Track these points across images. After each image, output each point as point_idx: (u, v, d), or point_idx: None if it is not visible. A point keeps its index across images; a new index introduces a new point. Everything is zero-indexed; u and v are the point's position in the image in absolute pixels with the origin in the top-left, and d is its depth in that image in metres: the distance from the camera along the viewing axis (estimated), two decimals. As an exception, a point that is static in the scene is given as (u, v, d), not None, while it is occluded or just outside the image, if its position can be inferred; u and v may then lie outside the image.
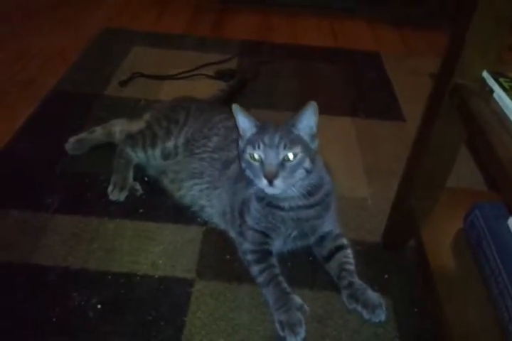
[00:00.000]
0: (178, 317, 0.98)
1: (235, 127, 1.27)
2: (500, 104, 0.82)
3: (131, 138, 1.33)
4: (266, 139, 0.96)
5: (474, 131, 0.83)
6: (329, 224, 1.12)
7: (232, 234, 1.15)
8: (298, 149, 0.97)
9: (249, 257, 1.07)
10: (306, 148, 0.98)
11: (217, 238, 1.17)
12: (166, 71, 1.84)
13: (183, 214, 1.22)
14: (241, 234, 1.10)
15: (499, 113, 0.81)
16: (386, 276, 1.11)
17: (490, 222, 0.95)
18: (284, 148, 0.95)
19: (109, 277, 1.04)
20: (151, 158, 1.31)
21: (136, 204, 1.24)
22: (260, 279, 1.04)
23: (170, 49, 2.03)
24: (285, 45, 2.16)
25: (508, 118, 0.80)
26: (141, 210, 1.22)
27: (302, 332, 0.95)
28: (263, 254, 1.07)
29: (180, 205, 1.23)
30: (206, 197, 1.20)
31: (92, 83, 1.74)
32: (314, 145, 1.02)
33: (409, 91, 1.84)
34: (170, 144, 1.29)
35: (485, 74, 0.87)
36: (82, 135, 1.41)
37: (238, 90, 1.75)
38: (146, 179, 1.31)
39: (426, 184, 1.06)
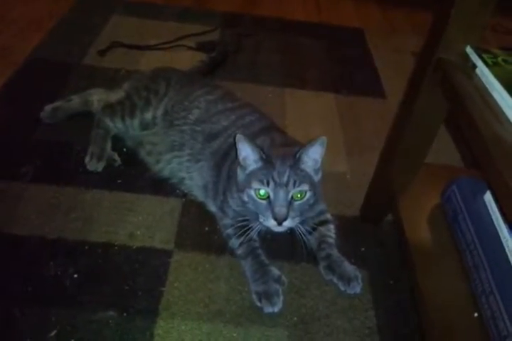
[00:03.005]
0: (155, 288, 0.97)
1: (218, 100, 1.26)
2: (483, 79, 0.83)
3: (109, 108, 1.30)
4: (275, 176, 0.93)
5: (456, 105, 0.83)
6: (314, 208, 1.10)
7: (212, 207, 1.15)
8: (306, 187, 0.95)
9: (230, 231, 1.07)
10: (312, 184, 0.97)
11: (196, 210, 1.16)
12: (147, 41, 1.79)
13: (162, 185, 1.20)
14: (222, 209, 1.10)
15: (480, 88, 0.81)
16: (363, 249, 1.12)
17: (467, 197, 0.97)
18: (294, 186, 0.93)
19: (87, 247, 1.03)
20: (129, 128, 1.28)
21: (114, 174, 1.22)
22: (239, 251, 1.04)
23: (150, 19, 1.97)
24: (269, 18, 2.12)
25: (489, 92, 0.80)
26: (119, 181, 1.20)
27: (279, 302, 0.96)
28: (243, 229, 1.07)
29: (159, 177, 1.22)
30: (186, 169, 1.19)
31: (69, 52, 1.69)
32: (318, 178, 1.00)
33: (391, 68, 1.83)
34: (149, 115, 1.26)
35: (468, 49, 0.87)
36: (58, 103, 1.37)
37: (219, 62, 1.72)
38: (124, 150, 1.29)
39: (405, 159, 1.07)
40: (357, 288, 1.02)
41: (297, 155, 0.96)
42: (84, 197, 1.15)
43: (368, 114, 1.58)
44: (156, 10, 2.05)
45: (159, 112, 1.26)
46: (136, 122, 1.27)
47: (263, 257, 1.03)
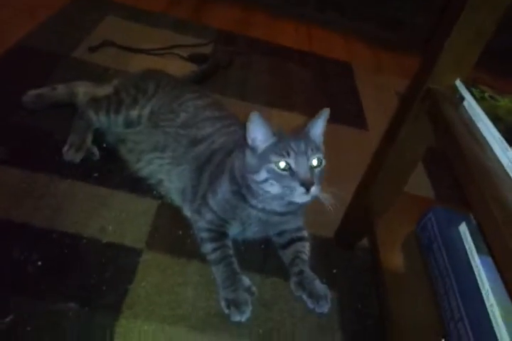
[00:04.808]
0: (121, 285, 0.94)
1: (206, 107, 1.26)
2: (470, 111, 0.86)
3: (95, 101, 1.28)
4: (294, 146, 0.94)
5: (443, 133, 0.86)
6: (293, 222, 1.11)
7: (188, 212, 1.12)
8: (321, 154, 0.97)
9: (204, 234, 1.05)
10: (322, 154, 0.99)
11: (171, 213, 1.14)
12: (139, 45, 1.79)
13: (139, 184, 1.18)
14: (198, 212, 1.07)
15: (466, 119, 0.85)
16: (335, 271, 1.12)
17: (442, 227, 0.99)
18: (312, 153, 0.95)
19: (54, 235, 0.99)
20: (112, 124, 1.25)
21: (91, 168, 1.18)
22: (212, 257, 1.02)
23: (145, 25, 1.98)
24: (261, 41, 2.17)
25: (474, 124, 0.83)
26: (95, 174, 1.17)
27: (248, 311, 0.94)
28: (218, 234, 1.05)
29: (137, 176, 1.19)
30: (166, 171, 1.16)
31: (60, 43, 1.66)
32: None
33: (375, 104, 1.89)
34: (134, 113, 1.24)
35: (458, 82, 0.91)
36: (43, 90, 1.33)
37: (209, 75, 1.73)
38: (104, 145, 1.26)
39: (385, 185, 1.09)
40: (325, 307, 1.00)
41: (307, 128, 0.99)
42: (58, 186, 1.10)
43: (350, 144, 1.61)
44: (151, 17, 2.06)
45: (145, 112, 1.25)
46: (120, 118, 1.25)
47: (235, 265, 1.01)
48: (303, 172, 0.93)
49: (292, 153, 0.93)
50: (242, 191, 1.01)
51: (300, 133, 0.99)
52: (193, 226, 1.09)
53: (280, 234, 1.11)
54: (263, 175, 0.94)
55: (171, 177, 1.16)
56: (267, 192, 0.95)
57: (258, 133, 0.96)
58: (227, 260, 1.01)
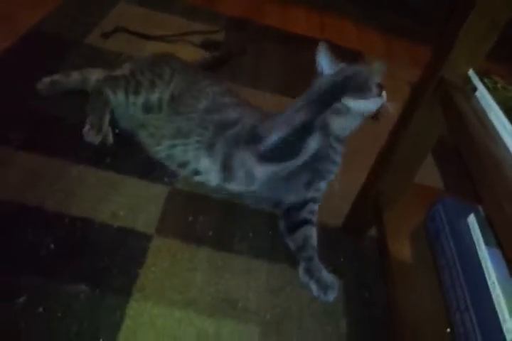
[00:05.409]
0: (132, 269, 0.95)
1: (224, 92, 1.27)
2: (482, 101, 0.85)
3: (112, 79, 1.26)
4: None
5: (455, 123, 0.86)
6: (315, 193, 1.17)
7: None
8: None
9: None
10: None
11: (182, 199, 1.15)
12: (151, 31, 1.78)
13: (150, 170, 1.19)
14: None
15: (478, 109, 0.84)
16: (342, 259, 1.13)
17: (451, 217, 0.99)
18: None
19: (66, 220, 1.00)
20: (130, 106, 1.24)
21: (104, 153, 1.19)
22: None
23: (157, 11, 1.97)
24: (273, 28, 2.15)
25: (486, 115, 0.83)
26: (108, 160, 1.18)
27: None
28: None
29: (153, 161, 1.20)
30: (194, 156, 1.16)
31: (73, 29, 1.66)
32: None
33: (386, 93, 1.87)
34: (155, 97, 1.23)
35: (471, 72, 0.90)
36: (57, 77, 1.33)
37: (221, 62, 1.72)
38: (117, 131, 1.26)
39: (396, 175, 1.09)
40: (331, 296, 1.02)
41: None
42: (70, 170, 1.12)
43: (360, 131, 1.60)
44: (164, 3, 2.04)
45: (166, 96, 1.24)
46: (139, 100, 1.23)
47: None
48: None
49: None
50: None
51: None
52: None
53: (294, 208, 1.14)
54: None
55: (200, 160, 1.16)
56: None
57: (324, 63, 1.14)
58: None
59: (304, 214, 1.14)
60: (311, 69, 1.92)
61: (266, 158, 1.10)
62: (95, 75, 1.36)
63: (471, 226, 0.96)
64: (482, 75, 0.89)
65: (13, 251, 0.92)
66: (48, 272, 0.90)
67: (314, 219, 1.14)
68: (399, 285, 0.94)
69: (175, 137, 1.18)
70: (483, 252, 0.89)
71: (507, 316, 0.76)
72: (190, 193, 1.17)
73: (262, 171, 1.12)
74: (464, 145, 0.81)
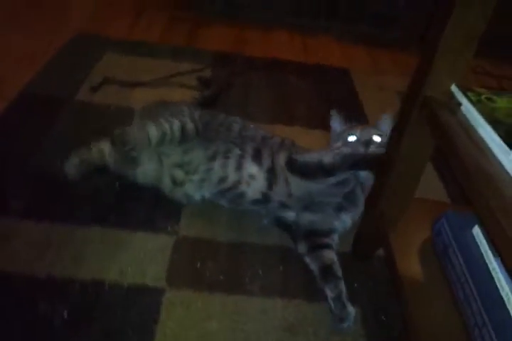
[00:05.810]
0: (147, 327, 0.96)
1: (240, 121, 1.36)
2: (468, 116, 0.86)
3: (143, 125, 1.21)
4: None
5: (443, 141, 0.86)
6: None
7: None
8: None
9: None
10: None
11: (188, 246, 1.16)
12: (139, 78, 1.82)
13: (154, 222, 1.20)
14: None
15: (465, 124, 0.85)
16: (356, 285, 1.12)
17: (456, 231, 0.98)
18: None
19: (77, 285, 1.01)
20: (167, 139, 1.20)
21: (106, 210, 1.21)
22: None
23: (144, 56, 2.02)
24: (258, 57, 2.18)
25: (474, 129, 0.83)
26: (111, 216, 1.20)
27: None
28: None
29: (155, 210, 1.23)
30: (235, 168, 1.21)
31: (62, 87, 1.70)
32: None
33: (376, 106, 1.88)
34: (190, 125, 1.23)
35: (453, 88, 0.90)
36: (81, 153, 1.28)
37: (213, 100, 1.74)
38: (117, 185, 1.29)
39: (394, 194, 1.08)
40: (346, 325, 1.02)
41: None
42: (75, 233, 1.14)
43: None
44: (148, 48, 2.09)
45: (199, 124, 1.26)
46: (176, 127, 1.21)
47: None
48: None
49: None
50: None
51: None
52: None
53: (315, 234, 1.18)
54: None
55: (245, 170, 1.21)
56: None
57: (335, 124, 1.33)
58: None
59: (326, 239, 1.16)
60: (297, 92, 1.96)
61: (297, 170, 1.19)
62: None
63: (476, 238, 0.95)
64: (465, 89, 0.89)
65: (27, 326, 0.93)
66: (64, 343, 0.90)
67: (335, 246, 1.17)
68: (413, 304, 0.93)
69: (212, 159, 1.22)
70: (493, 263, 0.88)
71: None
72: (195, 239, 1.18)
73: (295, 182, 1.19)
74: (454, 163, 0.81)
